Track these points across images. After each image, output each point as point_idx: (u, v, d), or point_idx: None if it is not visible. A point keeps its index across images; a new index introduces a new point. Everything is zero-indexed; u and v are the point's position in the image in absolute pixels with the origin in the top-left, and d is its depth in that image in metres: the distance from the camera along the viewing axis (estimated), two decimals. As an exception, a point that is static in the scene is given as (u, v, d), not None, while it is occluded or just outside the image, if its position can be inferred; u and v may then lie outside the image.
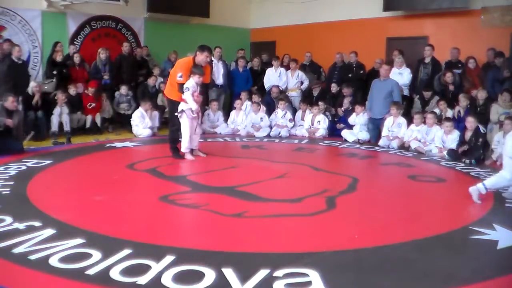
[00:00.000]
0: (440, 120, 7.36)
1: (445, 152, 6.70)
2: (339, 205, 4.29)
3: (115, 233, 3.36)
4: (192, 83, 6.07)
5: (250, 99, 9.29)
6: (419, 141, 7.24)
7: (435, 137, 7.03)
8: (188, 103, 6.05)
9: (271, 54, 11.04)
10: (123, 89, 9.10)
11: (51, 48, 8.89)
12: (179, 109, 6.16)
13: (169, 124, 6.68)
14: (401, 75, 8.50)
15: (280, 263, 2.86)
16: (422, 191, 5.02)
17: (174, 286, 2.57)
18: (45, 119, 7.96)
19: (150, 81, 9.40)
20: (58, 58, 8.67)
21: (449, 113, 7.69)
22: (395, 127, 7.64)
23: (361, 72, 9.44)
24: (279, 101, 8.96)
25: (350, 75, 9.49)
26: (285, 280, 2.65)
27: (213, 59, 9.44)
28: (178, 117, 6.18)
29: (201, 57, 6.16)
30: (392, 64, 8.73)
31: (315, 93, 9.62)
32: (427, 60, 8.64)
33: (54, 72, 8.60)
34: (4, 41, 8.28)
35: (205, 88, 9.34)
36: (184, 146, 6.27)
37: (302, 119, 9.01)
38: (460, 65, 8.50)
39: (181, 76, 6.10)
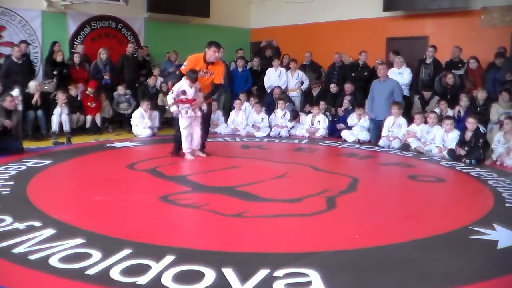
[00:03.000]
0: (441, 120, 7.35)
1: (445, 152, 6.70)
2: (339, 205, 4.28)
3: (115, 233, 3.36)
4: (181, 85, 6.05)
5: (249, 99, 9.31)
6: (419, 139, 7.24)
7: (436, 137, 7.03)
8: (168, 104, 6.16)
9: (273, 52, 11.00)
10: (121, 89, 9.11)
11: (49, 47, 8.89)
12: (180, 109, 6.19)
13: (173, 123, 6.68)
14: (401, 75, 8.50)
15: (280, 263, 2.85)
16: (422, 191, 5.02)
17: (174, 286, 2.57)
18: (45, 119, 7.96)
19: (150, 81, 9.41)
20: (59, 58, 8.67)
21: (449, 113, 7.69)
22: (395, 128, 7.63)
23: (365, 73, 9.42)
24: (279, 100, 8.97)
25: (353, 74, 9.48)
26: (285, 280, 2.65)
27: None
28: (177, 117, 6.20)
29: (209, 53, 6.16)
30: (392, 65, 8.74)
31: (315, 93, 9.62)
32: (429, 60, 8.64)
33: (55, 72, 8.60)
34: (21, 42, 8.37)
35: (219, 90, 9.39)
36: (184, 147, 6.27)
37: (298, 122, 9.02)
38: (460, 65, 8.49)
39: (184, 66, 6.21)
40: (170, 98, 6.16)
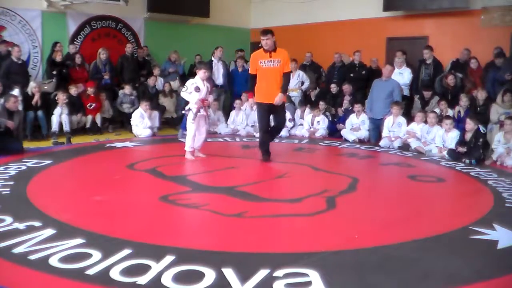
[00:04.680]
0: (441, 120, 7.35)
1: (445, 152, 6.70)
2: (339, 205, 4.28)
3: (115, 233, 3.36)
4: (193, 81, 6.13)
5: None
6: (419, 139, 7.24)
7: (436, 137, 7.02)
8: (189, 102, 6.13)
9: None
10: (127, 89, 9.08)
11: (50, 48, 8.90)
12: (187, 107, 6.24)
13: (259, 127, 6.41)
14: (402, 75, 8.50)
15: (280, 263, 2.85)
16: (422, 191, 5.02)
17: (174, 286, 2.57)
18: (46, 119, 7.96)
19: (150, 82, 9.40)
20: (58, 58, 8.67)
21: (450, 113, 7.69)
22: (395, 127, 7.64)
23: (363, 72, 9.43)
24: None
25: (351, 75, 9.48)
26: (285, 280, 2.65)
27: (213, 59, 9.47)
28: (186, 115, 6.26)
29: (263, 42, 5.94)
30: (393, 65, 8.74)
31: (313, 97, 9.66)
32: (428, 61, 8.64)
33: (54, 72, 8.60)
34: (2, 42, 8.36)
35: (219, 90, 9.35)
36: (187, 145, 6.27)
37: (302, 118, 9.02)
38: (467, 67, 8.50)
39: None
40: (185, 95, 6.23)
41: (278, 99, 5.93)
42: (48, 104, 8.09)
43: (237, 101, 9.09)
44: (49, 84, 8.53)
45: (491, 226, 3.68)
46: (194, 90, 6.11)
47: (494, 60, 8.04)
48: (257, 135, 8.59)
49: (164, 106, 9.42)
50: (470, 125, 6.52)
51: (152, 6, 10.62)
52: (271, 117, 6.28)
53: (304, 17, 11.59)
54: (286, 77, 6.11)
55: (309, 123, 8.75)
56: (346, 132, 8.28)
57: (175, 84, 9.77)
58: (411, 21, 9.88)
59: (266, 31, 5.97)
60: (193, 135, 6.23)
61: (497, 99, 7.29)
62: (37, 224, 3.51)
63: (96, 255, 2.93)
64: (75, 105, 8.35)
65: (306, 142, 8.12)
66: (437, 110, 7.70)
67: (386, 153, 7.22)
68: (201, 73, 6.16)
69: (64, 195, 4.55)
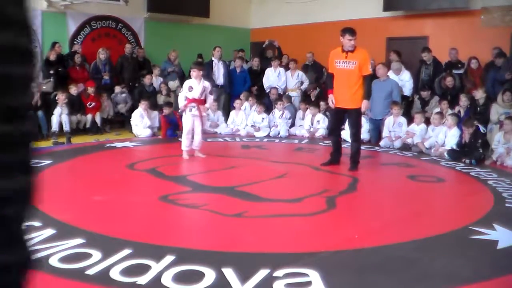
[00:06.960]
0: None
1: (445, 153, 6.69)
2: (339, 205, 4.28)
3: (115, 233, 3.36)
4: (190, 83, 6.17)
5: (248, 99, 9.33)
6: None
7: (440, 133, 6.98)
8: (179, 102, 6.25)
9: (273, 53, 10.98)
10: (117, 88, 9.14)
11: (49, 48, 8.89)
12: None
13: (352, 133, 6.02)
14: (403, 82, 8.33)
15: (280, 263, 2.85)
16: (422, 191, 5.02)
17: (174, 286, 2.57)
18: (46, 119, 7.96)
19: (146, 80, 9.34)
20: (52, 57, 8.62)
21: (450, 112, 7.68)
22: (396, 127, 7.63)
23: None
24: (277, 101, 8.98)
25: None
26: (285, 280, 2.65)
27: (213, 59, 9.47)
28: (182, 115, 6.31)
29: (344, 42, 5.53)
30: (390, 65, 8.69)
31: (313, 97, 9.65)
32: (429, 61, 8.63)
33: (51, 72, 8.59)
34: None
35: (218, 90, 9.32)
36: (183, 144, 6.30)
37: (303, 119, 9.02)
38: (460, 65, 8.49)
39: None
40: (180, 96, 6.31)
41: (363, 107, 5.66)
42: (48, 104, 8.09)
43: (237, 101, 9.09)
44: (47, 84, 8.52)
45: (491, 226, 3.68)
46: (188, 89, 6.19)
47: (494, 60, 8.04)
48: (257, 134, 8.66)
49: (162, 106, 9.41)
50: (468, 130, 6.51)
51: (152, 6, 10.61)
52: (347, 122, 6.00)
53: (304, 17, 11.59)
54: (366, 80, 5.63)
55: (309, 123, 8.75)
56: (345, 134, 8.25)
57: (174, 84, 9.75)
58: (411, 21, 9.88)
59: (353, 31, 5.47)
60: (186, 133, 6.26)
61: (497, 99, 7.29)
62: (37, 224, 3.50)
63: (96, 255, 2.93)
64: (75, 105, 8.35)
65: (306, 142, 8.12)
66: (438, 110, 7.69)
67: (386, 153, 7.22)
68: (192, 73, 6.26)
69: (64, 195, 4.55)
